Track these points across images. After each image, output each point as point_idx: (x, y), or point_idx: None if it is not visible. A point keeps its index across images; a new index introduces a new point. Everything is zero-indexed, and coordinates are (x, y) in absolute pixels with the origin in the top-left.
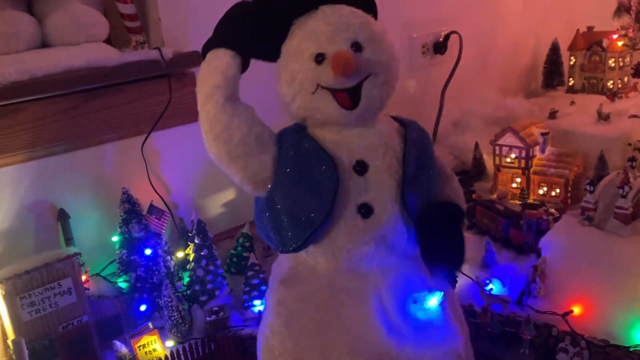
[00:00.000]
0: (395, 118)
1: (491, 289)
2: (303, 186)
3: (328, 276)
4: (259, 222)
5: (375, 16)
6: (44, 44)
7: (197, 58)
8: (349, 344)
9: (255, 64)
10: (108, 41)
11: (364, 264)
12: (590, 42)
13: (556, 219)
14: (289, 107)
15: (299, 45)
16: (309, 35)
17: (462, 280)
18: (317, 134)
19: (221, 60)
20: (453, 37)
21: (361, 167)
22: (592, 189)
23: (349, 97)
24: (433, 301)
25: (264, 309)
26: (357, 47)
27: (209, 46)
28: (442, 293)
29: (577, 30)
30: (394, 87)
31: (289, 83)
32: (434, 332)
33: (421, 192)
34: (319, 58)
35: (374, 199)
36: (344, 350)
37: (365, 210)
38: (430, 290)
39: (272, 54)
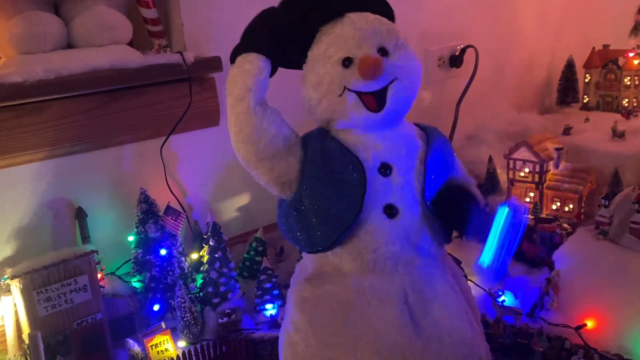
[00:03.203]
0: (415, 124)
1: (503, 301)
2: (331, 187)
3: (354, 276)
4: (284, 224)
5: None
6: (70, 45)
7: (217, 63)
8: (374, 343)
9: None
10: (131, 44)
11: (390, 264)
12: (606, 60)
13: (569, 234)
14: (314, 110)
15: (326, 50)
16: (336, 40)
17: (474, 291)
18: (341, 136)
19: (252, 64)
20: (469, 51)
21: (385, 169)
22: (607, 203)
23: (375, 100)
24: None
25: (287, 306)
26: (383, 52)
27: (239, 50)
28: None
29: (593, 48)
30: (416, 92)
31: (316, 86)
32: (458, 333)
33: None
34: (347, 62)
35: (398, 199)
36: (368, 348)
37: (391, 211)
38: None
39: (297, 61)
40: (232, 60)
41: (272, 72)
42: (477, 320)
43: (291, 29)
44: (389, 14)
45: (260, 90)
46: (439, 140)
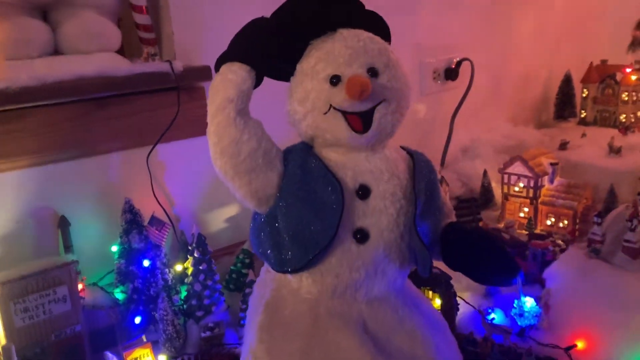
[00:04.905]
0: (402, 148)
1: (493, 319)
2: (308, 206)
3: (311, 301)
4: (256, 238)
5: (389, 43)
6: (57, 52)
7: (207, 73)
8: None
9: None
10: (121, 52)
11: (351, 291)
12: (604, 75)
13: (562, 251)
14: (299, 125)
15: (315, 65)
16: (326, 56)
17: (463, 308)
18: (324, 154)
19: (236, 74)
20: (465, 64)
21: (364, 192)
22: (599, 220)
23: (360, 121)
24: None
25: (245, 331)
26: (373, 72)
27: (224, 59)
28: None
29: (591, 63)
30: (404, 115)
31: (302, 101)
32: None
33: (431, 222)
34: (334, 80)
35: (371, 224)
36: None
37: (362, 236)
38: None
39: (285, 73)
40: (217, 68)
41: (258, 83)
42: (453, 348)
43: (281, 41)
44: (384, 31)
45: (242, 101)
46: (426, 167)
